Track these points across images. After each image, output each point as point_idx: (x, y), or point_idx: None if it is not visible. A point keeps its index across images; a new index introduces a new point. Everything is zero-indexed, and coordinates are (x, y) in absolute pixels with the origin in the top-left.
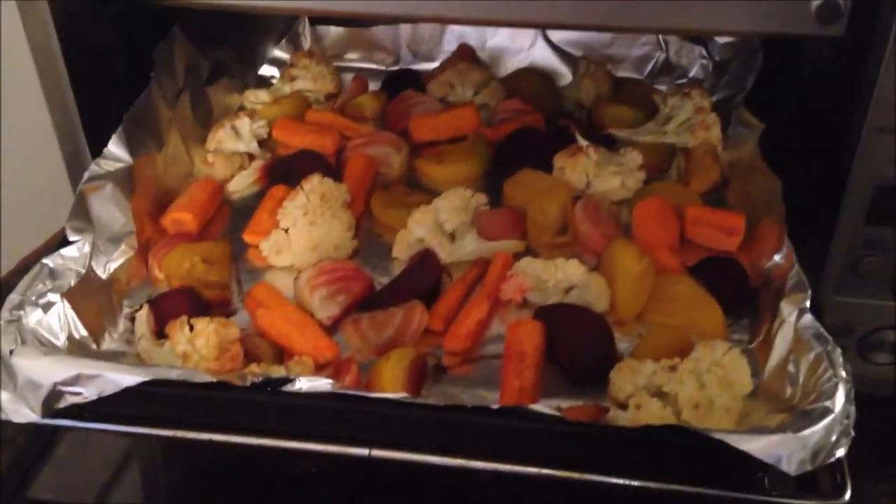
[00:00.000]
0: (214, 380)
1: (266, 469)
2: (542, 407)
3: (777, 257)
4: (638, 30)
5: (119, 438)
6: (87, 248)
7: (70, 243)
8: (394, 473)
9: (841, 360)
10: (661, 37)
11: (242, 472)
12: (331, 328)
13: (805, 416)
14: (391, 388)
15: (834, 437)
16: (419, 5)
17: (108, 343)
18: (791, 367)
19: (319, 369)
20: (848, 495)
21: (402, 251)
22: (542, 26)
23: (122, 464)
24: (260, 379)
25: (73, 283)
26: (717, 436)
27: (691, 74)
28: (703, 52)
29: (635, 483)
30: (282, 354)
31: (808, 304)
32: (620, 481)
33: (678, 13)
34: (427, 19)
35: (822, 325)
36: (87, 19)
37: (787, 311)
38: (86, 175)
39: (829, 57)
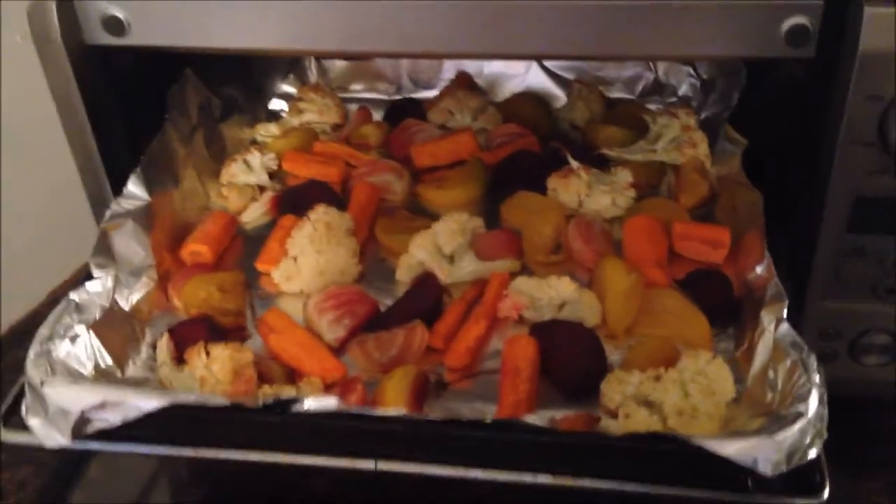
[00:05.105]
0: (228, 402)
1: (284, 486)
2: (534, 418)
3: (759, 269)
4: (619, 58)
5: (146, 460)
6: (109, 283)
7: (94, 278)
8: (400, 489)
9: (815, 366)
10: None
11: (262, 490)
12: (338, 349)
13: (780, 420)
14: (394, 404)
15: (808, 440)
16: (414, 43)
17: (132, 370)
18: (771, 374)
19: (328, 389)
20: (826, 493)
21: (404, 274)
22: (531, 58)
23: (150, 484)
24: (270, 400)
25: (97, 315)
26: (697, 441)
27: (681, 93)
28: (691, 71)
29: (623, 487)
30: (293, 376)
31: (784, 313)
32: (609, 485)
33: (656, 41)
34: (424, 55)
35: (810, 330)
36: (104, 68)
37: (767, 320)
38: (107, 214)
39: (803, 76)
